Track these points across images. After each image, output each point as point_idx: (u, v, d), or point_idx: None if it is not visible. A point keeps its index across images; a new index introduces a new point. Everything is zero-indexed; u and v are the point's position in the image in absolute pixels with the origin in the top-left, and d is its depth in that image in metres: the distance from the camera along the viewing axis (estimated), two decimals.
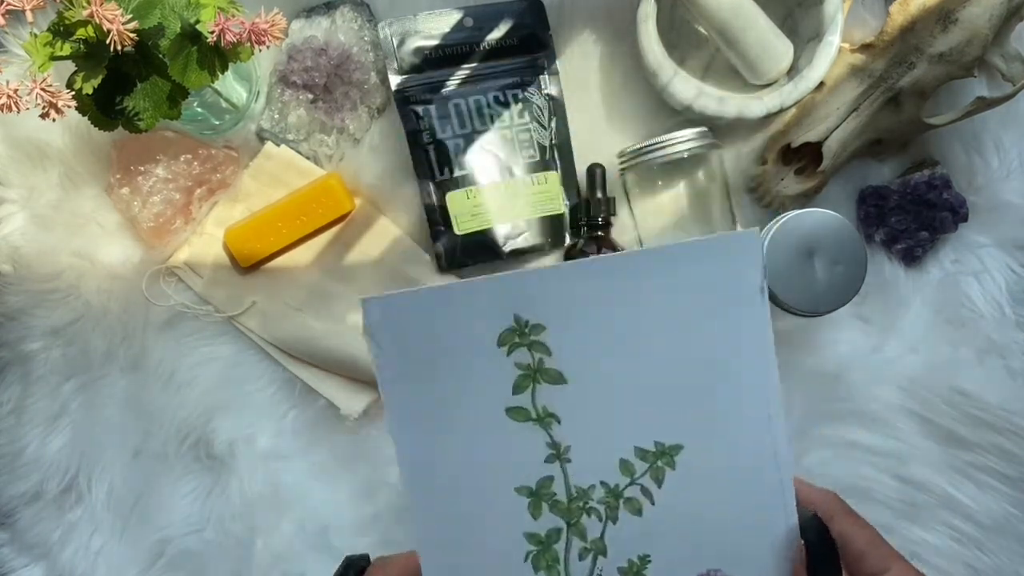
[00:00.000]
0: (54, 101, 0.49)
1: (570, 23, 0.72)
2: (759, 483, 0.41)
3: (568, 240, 0.72)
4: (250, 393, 0.73)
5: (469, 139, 0.70)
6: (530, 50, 0.71)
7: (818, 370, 0.71)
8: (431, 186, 0.70)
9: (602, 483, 0.42)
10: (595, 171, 0.70)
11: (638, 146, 0.67)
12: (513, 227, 0.71)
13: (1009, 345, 0.72)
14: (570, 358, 0.41)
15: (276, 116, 0.71)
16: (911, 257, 0.72)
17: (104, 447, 0.72)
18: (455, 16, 0.70)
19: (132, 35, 0.49)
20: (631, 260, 0.41)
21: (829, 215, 0.62)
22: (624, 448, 0.41)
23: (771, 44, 0.66)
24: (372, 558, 0.45)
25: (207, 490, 0.73)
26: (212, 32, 0.51)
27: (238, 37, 0.52)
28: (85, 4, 0.48)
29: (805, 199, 0.71)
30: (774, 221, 0.63)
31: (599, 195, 0.70)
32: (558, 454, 0.42)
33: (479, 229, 0.70)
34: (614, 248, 0.70)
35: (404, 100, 0.70)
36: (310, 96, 0.69)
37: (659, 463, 0.42)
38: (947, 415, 0.71)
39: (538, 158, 0.71)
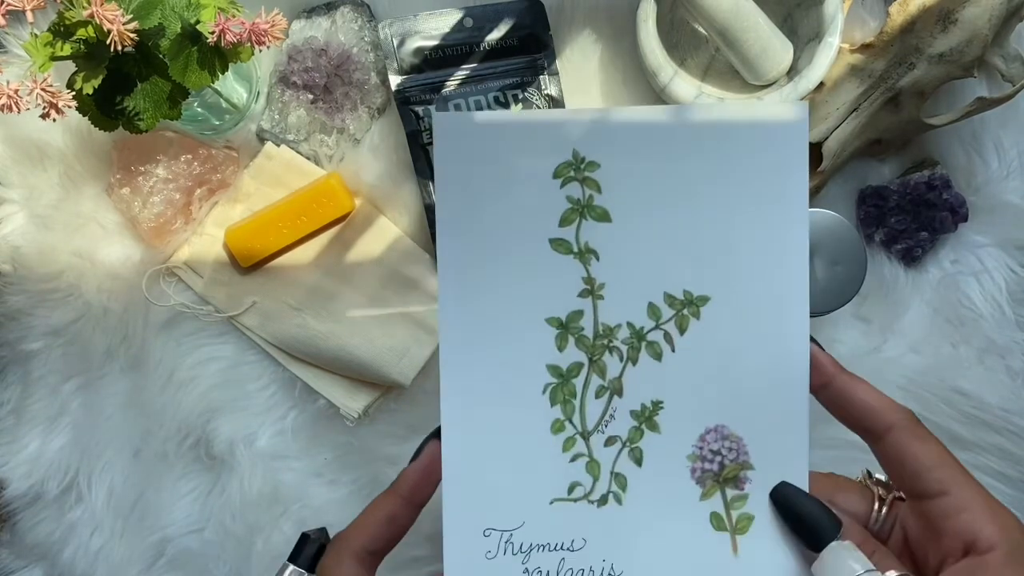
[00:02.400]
0: (54, 101, 0.49)
1: (570, 23, 0.72)
2: (777, 349, 0.42)
3: None
4: (250, 393, 0.73)
5: None
6: (530, 50, 0.71)
7: None
8: (431, 186, 0.70)
9: (628, 323, 0.43)
10: None
11: None
12: None
13: (1009, 345, 0.72)
14: (617, 199, 0.42)
15: (276, 116, 0.71)
16: (911, 257, 0.72)
17: (104, 447, 0.72)
18: (455, 16, 0.70)
19: (132, 35, 0.49)
20: (692, 115, 0.42)
21: (828, 215, 0.62)
22: (655, 292, 0.43)
23: (771, 44, 0.66)
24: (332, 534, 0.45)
25: (207, 490, 0.73)
26: (212, 32, 0.51)
27: (238, 37, 0.52)
28: (85, 4, 0.48)
29: None
30: None
31: None
32: (592, 290, 0.43)
33: None
34: None
35: (404, 100, 0.70)
36: (310, 96, 0.69)
37: (685, 311, 0.43)
38: (947, 415, 0.71)
39: None
